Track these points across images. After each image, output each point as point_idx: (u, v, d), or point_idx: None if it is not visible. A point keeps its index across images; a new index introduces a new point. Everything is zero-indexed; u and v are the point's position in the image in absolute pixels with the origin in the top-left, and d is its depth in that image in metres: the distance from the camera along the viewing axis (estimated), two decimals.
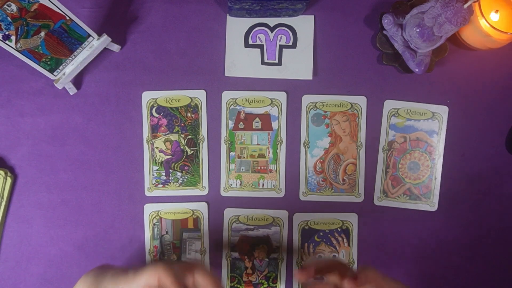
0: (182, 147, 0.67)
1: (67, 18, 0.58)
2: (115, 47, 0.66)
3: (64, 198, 0.66)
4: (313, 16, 0.67)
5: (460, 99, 0.68)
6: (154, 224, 0.67)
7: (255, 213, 0.67)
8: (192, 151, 0.67)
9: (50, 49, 0.60)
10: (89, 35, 0.61)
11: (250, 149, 0.68)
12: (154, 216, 0.67)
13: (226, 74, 0.67)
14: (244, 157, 0.67)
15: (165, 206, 0.67)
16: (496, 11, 0.62)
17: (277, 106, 0.67)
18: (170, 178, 0.67)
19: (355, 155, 0.68)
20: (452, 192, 0.68)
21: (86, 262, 0.66)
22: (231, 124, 0.67)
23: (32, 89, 0.66)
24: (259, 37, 0.67)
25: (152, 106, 0.67)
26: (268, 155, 0.68)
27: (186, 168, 0.67)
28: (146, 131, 0.67)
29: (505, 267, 0.68)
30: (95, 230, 0.67)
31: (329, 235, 0.68)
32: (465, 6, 0.57)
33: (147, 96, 0.67)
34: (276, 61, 0.67)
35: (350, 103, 0.67)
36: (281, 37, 0.67)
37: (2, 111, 0.66)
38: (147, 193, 0.67)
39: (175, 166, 0.67)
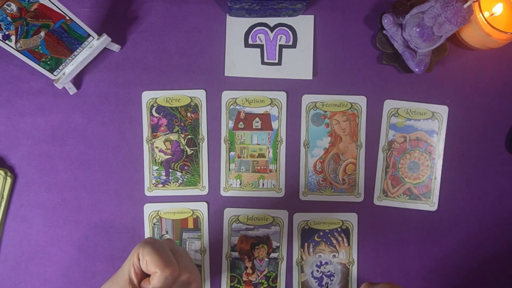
0: (182, 147, 0.67)
1: (67, 18, 0.58)
2: (115, 47, 0.66)
3: (64, 198, 0.66)
4: (313, 16, 0.67)
5: (460, 99, 0.68)
6: (154, 224, 0.67)
7: (255, 213, 0.67)
8: (192, 151, 0.67)
9: (50, 49, 0.60)
10: (89, 35, 0.61)
11: (250, 149, 0.68)
12: (154, 216, 0.67)
13: (226, 74, 0.67)
14: (244, 157, 0.67)
15: (165, 206, 0.67)
16: (495, 12, 0.62)
17: (277, 106, 0.67)
18: (170, 178, 0.67)
19: (355, 155, 0.68)
20: (452, 192, 0.68)
21: (86, 262, 0.67)
22: (231, 124, 0.67)
23: (32, 89, 0.66)
24: (259, 37, 0.67)
25: (152, 106, 0.67)
26: (268, 155, 0.67)
27: (186, 168, 0.67)
28: (146, 131, 0.67)
29: (505, 267, 0.68)
30: (95, 230, 0.67)
31: (329, 235, 0.68)
32: (465, 6, 0.57)
33: (147, 96, 0.67)
34: (276, 61, 0.67)
35: (350, 103, 0.67)
36: (281, 37, 0.67)
37: (2, 111, 0.66)
38: (147, 193, 0.67)
39: (175, 166, 0.67)
